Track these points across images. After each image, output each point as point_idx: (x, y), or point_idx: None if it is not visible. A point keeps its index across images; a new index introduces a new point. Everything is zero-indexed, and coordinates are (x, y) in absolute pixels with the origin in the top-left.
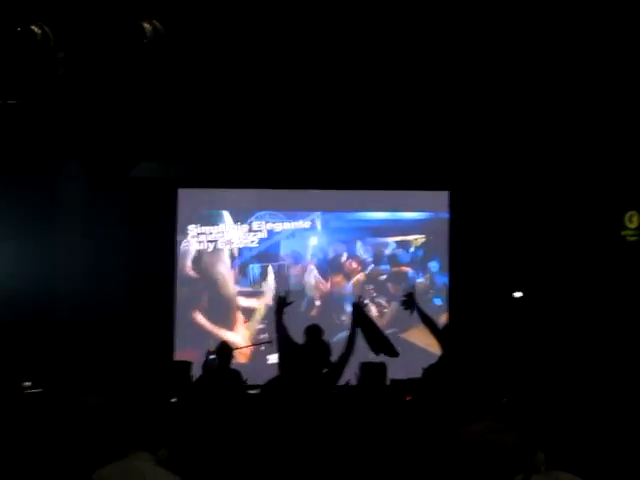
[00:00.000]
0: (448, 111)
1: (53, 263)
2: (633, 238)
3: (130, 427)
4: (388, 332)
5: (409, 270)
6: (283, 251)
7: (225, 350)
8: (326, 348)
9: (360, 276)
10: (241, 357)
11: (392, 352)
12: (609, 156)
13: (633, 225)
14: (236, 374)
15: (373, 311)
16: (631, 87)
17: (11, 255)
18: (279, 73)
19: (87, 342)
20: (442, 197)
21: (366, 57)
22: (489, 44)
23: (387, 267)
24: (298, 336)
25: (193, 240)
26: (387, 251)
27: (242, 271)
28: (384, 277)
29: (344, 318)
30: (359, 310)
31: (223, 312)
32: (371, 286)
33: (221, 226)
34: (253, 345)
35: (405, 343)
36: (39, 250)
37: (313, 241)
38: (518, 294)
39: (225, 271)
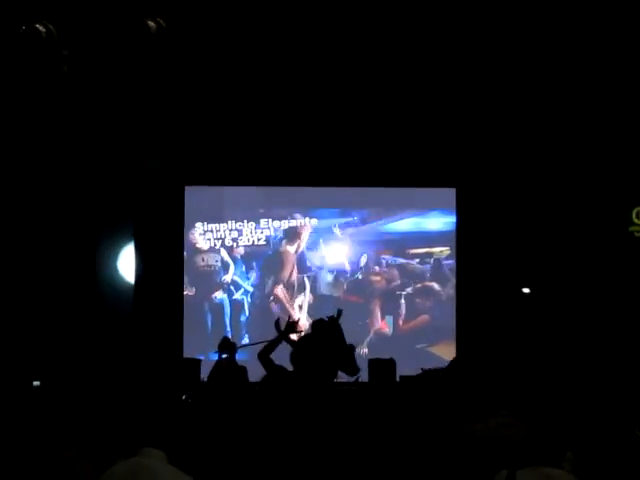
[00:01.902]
0: (455, 108)
1: None
2: None
3: (140, 424)
4: (418, 346)
5: (434, 284)
6: (308, 262)
7: (229, 345)
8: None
9: (385, 289)
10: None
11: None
12: (616, 153)
13: None
14: (243, 370)
15: (399, 324)
16: (638, 84)
17: None
18: (289, 71)
19: (96, 341)
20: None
21: (376, 57)
22: (496, 42)
23: (410, 281)
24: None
25: (200, 238)
26: (413, 263)
27: None
28: (410, 290)
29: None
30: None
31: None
32: (402, 300)
33: (229, 223)
34: (256, 343)
35: (433, 357)
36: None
37: (337, 251)
38: (526, 290)
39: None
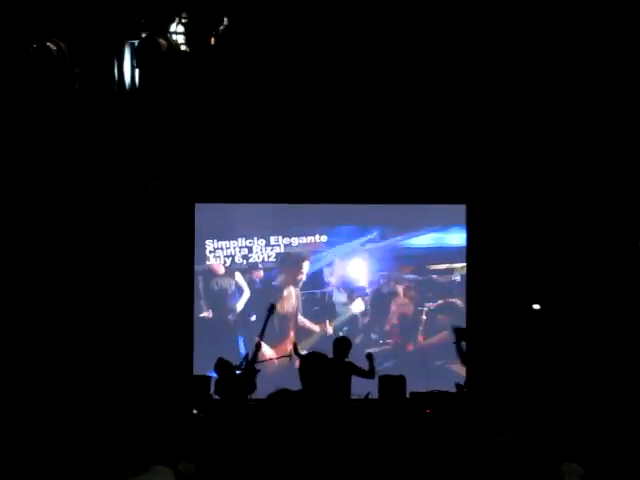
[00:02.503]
0: (465, 123)
1: None
2: None
3: (149, 441)
4: (438, 363)
5: (457, 300)
6: (327, 278)
7: (224, 365)
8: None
9: (407, 305)
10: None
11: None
12: (626, 169)
13: None
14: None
15: (420, 340)
16: None
17: None
18: (302, 90)
19: (105, 357)
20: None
21: (391, 78)
22: (506, 56)
23: (432, 295)
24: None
25: (210, 255)
26: (434, 279)
27: None
28: (432, 306)
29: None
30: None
31: None
32: (423, 317)
33: (239, 241)
34: (276, 359)
35: (453, 374)
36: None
37: (357, 268)
38: (536, 306)
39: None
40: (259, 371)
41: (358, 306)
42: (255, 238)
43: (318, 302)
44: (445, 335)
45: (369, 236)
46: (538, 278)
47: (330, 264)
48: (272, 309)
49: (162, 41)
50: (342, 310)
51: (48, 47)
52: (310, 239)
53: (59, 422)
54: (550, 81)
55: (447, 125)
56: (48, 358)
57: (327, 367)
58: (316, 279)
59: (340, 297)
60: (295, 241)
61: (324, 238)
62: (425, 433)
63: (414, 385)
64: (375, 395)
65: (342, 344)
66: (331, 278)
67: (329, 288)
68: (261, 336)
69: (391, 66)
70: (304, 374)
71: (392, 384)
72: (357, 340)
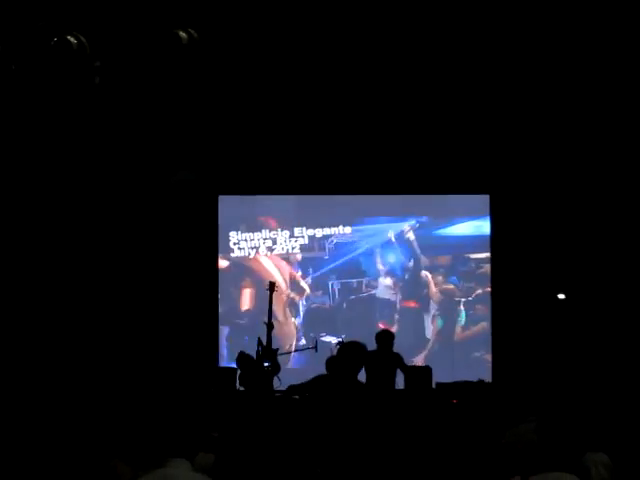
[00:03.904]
0: (489, 113)
1: None
2: None
3: (167, 435)
4: (476, 354)
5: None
6: (364, 266)
7: (245, 358)
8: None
9: (443, 294)
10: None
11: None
12: None
13: None
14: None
15: (457, 331)
16: None
17: None
18: (326, 81)
19: (127, 350)
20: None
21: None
22: (529, 47)
23: (470, 287)
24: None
25: (235, 247)
26: (472, 269)
27: (318, 286)
28: (470, 297)
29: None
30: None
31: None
32: (460, 307)
33: (264, 232)
34: (295, 351)
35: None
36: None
37: (392, 258)
38: (561, 296)
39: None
40: (277, 349)
41: (393, 294)
42: (279, 229)
43: (354, 291)
44: (483, 326)
45: (405, 224)
46: (563, 268)
47: (367, 253)
48: (272, 287)
49: (182, 34)
50: (378, 299)
51: (69, 41)
52: (334, 230)
53: (77, 415)
54: (575, 69)
55: (467, 114)
56: (71, 349)
57: (367, 357)
58: (352, 268)
59: (379, 285)
60: (319, 232)
61: (348, 229)
62: (450, 423)
63: (456, 375)
64: (401, 385)
65: (386, 336)
66: (368, 267)
67: (365, 278)
68: (270, 316)
69: (411, 67)
70: (342, 363)
71: (418, 375)
72: (393, 329)
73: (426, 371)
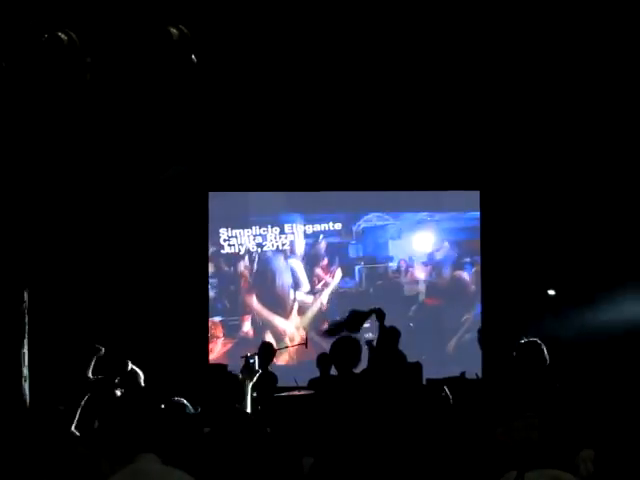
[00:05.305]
0: (477, 109)
1: None
2: None
3: (138, 430)
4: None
5: None
6: (392, 252)
7: (268, 350)
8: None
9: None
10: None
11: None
12: None
13: None
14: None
15: None
16: None
17: None
18: (316, 77)
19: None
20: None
21: (403, 70)
22: (518, 44)
23: None
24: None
25: (225, 243)
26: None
27: (346, 271)
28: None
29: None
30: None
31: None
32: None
33: (254, 229)
34: (289, 347)
35: None
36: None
37: (420, 245)
38: (552, 292)
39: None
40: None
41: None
42: (269, 226)
43: (381, 277)
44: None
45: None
46: (553, 264)
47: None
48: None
49: (173, 30)
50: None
51: (59, 37)
52: (324, 226)
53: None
54: (563, 66)
55: (459, 113)
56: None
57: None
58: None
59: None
60: (309, 228)
61: (338, 225)
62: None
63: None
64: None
65: (392, 334)
66: (393, 251)
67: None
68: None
69: (404, 63)
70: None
71: (408, 371)
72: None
73: (416, 367)
